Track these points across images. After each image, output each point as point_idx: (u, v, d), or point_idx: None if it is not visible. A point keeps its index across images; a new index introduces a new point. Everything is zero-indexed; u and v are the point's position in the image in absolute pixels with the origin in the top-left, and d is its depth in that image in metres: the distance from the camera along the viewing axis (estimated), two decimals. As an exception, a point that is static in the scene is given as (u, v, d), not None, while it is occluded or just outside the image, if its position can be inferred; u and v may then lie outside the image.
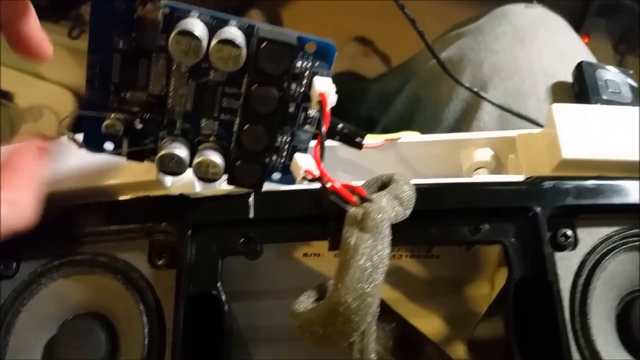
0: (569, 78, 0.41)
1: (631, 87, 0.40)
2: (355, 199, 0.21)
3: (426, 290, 0.31)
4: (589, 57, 0.43)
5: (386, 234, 0.19)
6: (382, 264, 0.19)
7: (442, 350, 0.25)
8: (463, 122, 0.40)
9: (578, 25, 0.84)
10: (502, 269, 0.30)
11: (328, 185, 0.21)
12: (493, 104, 0.35)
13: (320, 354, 0.31)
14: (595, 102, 0.38)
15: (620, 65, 0.93)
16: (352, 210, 0.20)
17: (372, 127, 0.52)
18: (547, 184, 0.24)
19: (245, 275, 0.29)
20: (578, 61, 0.39)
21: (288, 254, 0.29)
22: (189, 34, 0.20)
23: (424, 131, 0.43)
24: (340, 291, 0.18)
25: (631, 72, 0.40)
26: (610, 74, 0.39)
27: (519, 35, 0.41)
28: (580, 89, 0.39)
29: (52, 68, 0.74)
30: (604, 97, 0.38)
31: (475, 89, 0.35)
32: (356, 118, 0.57)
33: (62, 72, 0.73)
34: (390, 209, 0.21)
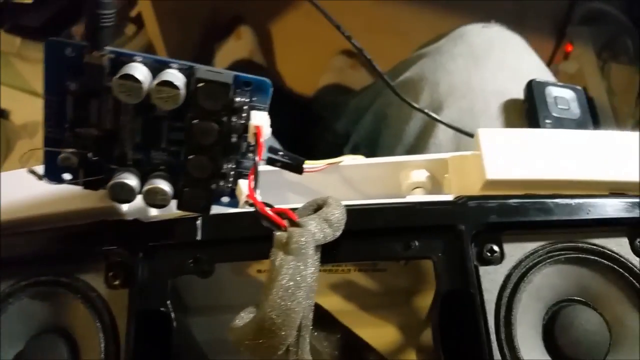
0: (521, 96, 0.43)
1: (579, 102, 0.41)
2: (285, 222, 0.23)
3: (377, 301, 0.32)
4: (546, 75, 0.45)
5: (309, 254, 0.21)
6: (305, 283, 0.21)
7: (384, 359, 0.27)
8: (421, 140, 0.42)
9: (562, 33, 0.86)
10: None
11: (260, 211, 0.23)
12: (443, 123, 0.37)
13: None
14: (544, 119, 0.40)
15: (603, 72, 0.95)
16: (277, 234, 0.22)
17: (346, 143, 0.54)
18: (472, 203, 0.26)
19: (204, 291, 0.31)
20: (530, 78, 0.41)
21: (242, 271, 0.31)
22: (130, 77, 0.22)
23: (387, 148, 0.45)
24: (265, 308, 0.20)
25: (579, 88, 0.42)
26: (560, 90, 0.41)
27: (474, 55, 0.43)
28: (530, 106, 0.41)
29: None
30: (553, 114, 0.40)
31: (430, 110, 0.37)
32: (333, 132, 0.59)
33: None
34: (318, 231, 0.23)
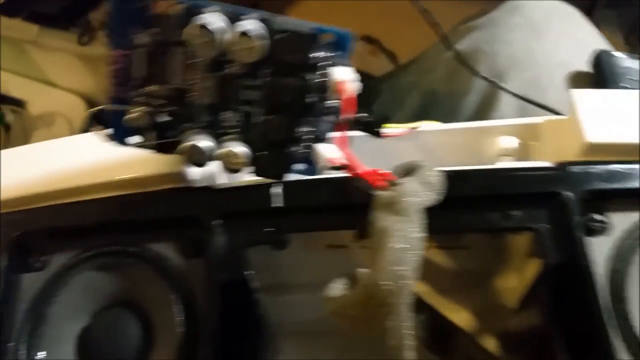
0: (586, 68, 0.41)
1: (649, 73, 0.39)
2: (383, 183, 0.21)
3: (454, 282, 0.30)
4: (606, 46, 0.43)
5: (418, 216, 0.19)
6: (417, 247, 0.19)
7: (476, 342, 0.25)
8: (481, 115, 0.40)
9: (588, 17, 0.84)
10: (530, 260, 0.30)
11: (355, 171, 0.21)
12: (514, 94, 0.35)
13: (346, 349, 0.31)
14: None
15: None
16: (382, 193, 0.20)
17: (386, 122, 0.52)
18: (576, 169, 0.24)
19: (270, 268, 0.29)
20: (595, 50, 0.39)
21: (314, 245, 0.28)
22: (204, 27, 0.20)
23: (441, 124, 0.43)
24: (376, 274, 0.18)
25: (647, 57, 0.40)
26: (629, 61, 0.39)
27: (534, 27, 0.41)
28: (599, 77, 0.39)
29: (62, 75, 0.74)
30: (623, 85, 0.38)
31: (494, 80, 0.35)
32: (368, 114, 0.57)
33: (73, 79, 0.74)
34: (420, 192, 0.21)
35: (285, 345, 0.31)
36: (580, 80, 0.40)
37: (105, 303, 0.25)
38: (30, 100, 0.76)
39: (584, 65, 0.40)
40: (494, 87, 0.38)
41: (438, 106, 0.43)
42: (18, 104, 0.75)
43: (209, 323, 0.22)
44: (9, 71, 0.76)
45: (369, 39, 0.87)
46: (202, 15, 0.21)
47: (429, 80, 0.47)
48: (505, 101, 0.39)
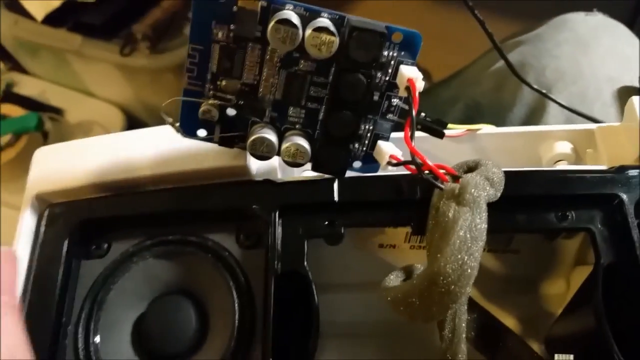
0: (634, 83, 0.41)
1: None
2: (447, 177, 0.21)
3: (500, 288, 0.30)
4: (655, 63, 0.43)
5: (483, 208, 0.20)
6: (481, 238, 0.19)
7: (525, 343, 0.25)
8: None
9: (630, 27, 0.83)
10: (578, 267, 0.29)
11: (421, 164, 0.21)
12: (562, 105, 0.35)
13: (387, 351, 0.31)
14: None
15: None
16: (448, 185, 0.20)
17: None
18: (632, 172, 0.24)
19: (317, 267, 0.30)
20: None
21: (364, 244, 0.29)
22: (288, 22, 0.21)
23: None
24: (440, 261, 0.18)
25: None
26: (679, 77, 0.39)
27: (582, 42, 0.41)
28: (649, 92, 0.39)
29: (101, 85, 0.76)
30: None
31: (544, 91, 0.35)
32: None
33: (111, 90, 0.76)
34: (483, 187, 0.21)
35: (328, 346, 0.31)
36: (628, 95, 0.39)
37: (162, 291, 0.25)
38: (69, 108, 0.79)
39: (633, 81, 0.40)
40: (541, 99, 0.39)
41: (483, 118, 0.44)
42: (57, 112, 0.78)
43: (265, 313, 0.22)
44: (50, 80, 0.79)
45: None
46: (283, 11, 0.22)
47: (473, 93, 0.47)
48: (553, 114, 0.39)
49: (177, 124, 0.24)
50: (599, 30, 0.43)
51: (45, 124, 0.74)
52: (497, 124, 0.42)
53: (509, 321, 0.31)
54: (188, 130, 0.25)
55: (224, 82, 0.24)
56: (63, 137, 0.78)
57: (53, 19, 0.71)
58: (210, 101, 0.24)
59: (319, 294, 0.30)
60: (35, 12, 0.71)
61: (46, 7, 0.71)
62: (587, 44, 0.41)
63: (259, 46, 0.23)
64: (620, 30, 0.44)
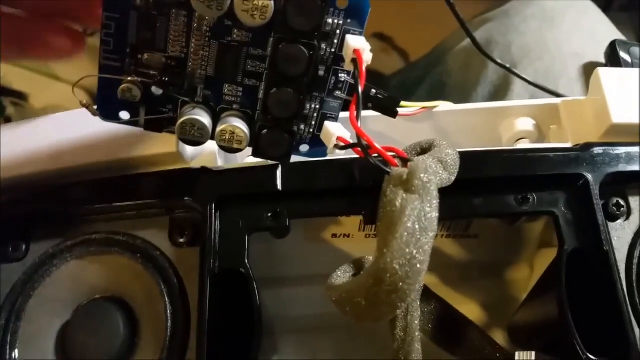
0: (599, 59, 0.39)
1: (667, 64, 0.38)
2: (397, 161, 0.19)
3: (461, 273, 0.29)
4: (620, 37, 0.42)
5: (434, 195, 0.18)
6: (431, 228, 0.17)
7: (485, 334, 0.23)
8: (491, 105, 0.38)
9: (604, 11, 0.83)
10: (542, 250, 0.28)
11: (368, 147, 0.19)
12: (527, 81, 0.33)
13: (346, 344, 0.29)
14: (631, 80, 0.36)
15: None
16: (396, 170, 0.18)
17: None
18: (598, 150, 0.23)
19: (268, 261, 0.27)
20: (609, 42, 0.38)
21: (316, 235, 0.27)
22: (211, -17, 0.19)
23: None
24: (386, 256, 0.16)
25: (666, 49, 0.38)
26: (645, 51, 0.38)
27: (548, 17, 0.40)
28: (614, 67, 0.37)
29: (66, 68, 0.72)
30: (640, 75, 0.37)
31: (503, 72, 0.33)
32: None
33: (76, 72, 0.72)
34: (435, 171, 0.19)
35: (282, 341, 0.29)
36: (593, 70, 0.38)
37: (88, 296, 0.23)
38: (33, 93, 0.74)
39: (598, 56, 0.39)
40: (506, 78, 0.37)
41: (447, 98, 0.42)
42: (20, 96, 0.74)
43: (199, 320, 0.20)
44: (11, 63, 0.74)
45: (381, 37, 0.85)
46: None
47: (439, 73, 0.45)
48: (517, 92, 0.37)
49: (95, 106, 0.21)
50: (565, 4, 0.41)
51: (7, 109, 0.70)
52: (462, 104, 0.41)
53: (471, 308, 0.29)
54: (107, 112, 0.22)
55: (145, 56, 0.21)
56: (28, 123, 0.75)
57: (10, 1, 0.67)
58: (131, 78, 0.21)
59: (271, 289, 0.28)
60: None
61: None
62: (553, 18, 0.40)
63: (184, 12, 0.20)
64: (585, 4, 0.42)
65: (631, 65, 0.37)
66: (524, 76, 0.34)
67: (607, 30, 0.41)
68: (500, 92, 0.38)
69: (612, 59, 0.37)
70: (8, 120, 0.72)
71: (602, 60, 0.39)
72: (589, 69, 0.38)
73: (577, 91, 0.38)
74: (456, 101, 0.42)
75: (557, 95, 0.34)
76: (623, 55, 0.37)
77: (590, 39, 0.39)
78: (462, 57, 0.42)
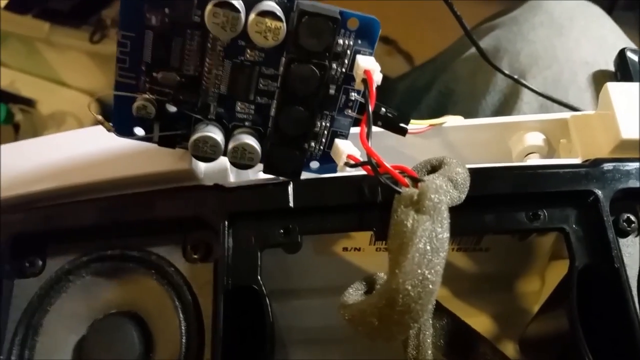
0: (609, 67, 0.39)
1: (678, 72, 0.38)
2: (407, 180, 0.19)
3: (473, 286, 0.29)
4: (630, 45, 0.42)
5: (445, 215, 0.18)
6: (443, 249, 0.17)
7: (497, 349, 0.23)
8: (501, 114, 0.38)
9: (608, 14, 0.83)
10: (553, 262, 0.28)
11: (377, 166, 0.19)
12: (535, 91, 0.33)
13: (357, 356, 0.29)
14: (642, 89, 0.36)
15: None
16: (406, 190, 0.18)
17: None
18: (608, 166, 0.22)
19: (280, 273, 0.28)
20: (618, 49, 0.38)
21: (326, 248, 0.27)
22: (227, 5, 0.19)
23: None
24: (398, 277, 0.16)
25: (676, 57, 0.38)
26: (655, 59, 0.37)
27: (556, 25, 0.40)
28: (624, 76, 0.37)
29: (73, 74, 0.73)
30: (649, 84, 0.37)
31: (516, 77, 0.33)
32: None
33: (83, 78, 0.73)
34: (446, 190, 0.19)
35: (294, 353, 0.29)
36: (603, 79, 0.38)
37: (104, 311, 0.23)
38: (41, 99, 0.75)
39: (607, 64, 0.39)
40: (515, 86, 0.37)
41: (456, 105, 0.42)
42: (28, 103, 0.74)
43: (213, 335, 0.20)
44: (20, 70, 0.75)
45: (385, 40, 0.85)
46: None
47: (447, 80, 0.45)
48: (527, 100, 0.37)
49: (110, 123, 0.22)
50: (573, 12, 0.41)
51: (15, 116, 0.71)
52: (470, 112, 0.41)
53: (483, 320, 0.29)
54: (122, 129, 0.22)
55: (160, 74, 0.21)
56: (35, 129, 0.75)
57: (18, 6, 0.69)
58: (146, 96, 0.21)
59: (282, 301, 0.28)
60: (-3, -2, 0.68)
61: (9, -7, 0.67)
62: (561, 26, 0.40)
63: (199, 32, 0.21)
64: (594, 11, 0.42)
65: (639, 73, 0.37)
66: (532, 87, 0.34)
67: (616, 38, 0.41)
68: (509, 100, 0.38)
69: (622, 67, 0.37)
70: (17, 126, 0.73)
71: (612, 68, 0.39)
72: (598, 78, 0.38)
73: (586, 100, 0.38)
74: (464, 108, 0.42)
75: (566, 105, 0.34)
76: (633, 63, 0.37)
77: (599, 47, 0.39)
78: (471, 65, 0.42)
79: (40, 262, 0.24)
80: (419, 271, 0.17)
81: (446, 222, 0.18)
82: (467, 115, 0.41)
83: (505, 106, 0.38)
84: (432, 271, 0.17)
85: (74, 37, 0.69)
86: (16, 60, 0.75)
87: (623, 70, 0.37)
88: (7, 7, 0.69)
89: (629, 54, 0.37)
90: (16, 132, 0.73)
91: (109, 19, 0.70)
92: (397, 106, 0.53)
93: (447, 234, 0.18)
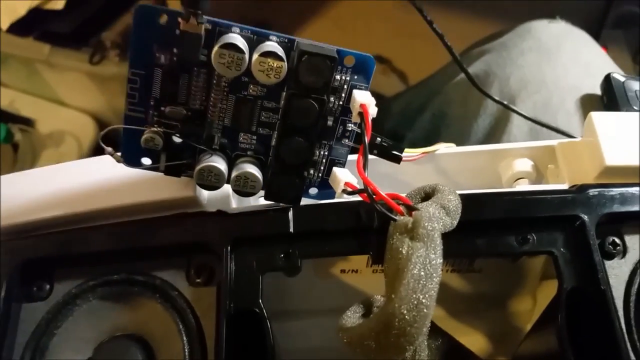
0: (596, 91, 0.41)
1: (661, 97, 0.39)
2: (401, 208, 0.20)
3: (467, 306, 0.30)
4: (616, 70, 0.43)
5: (438, 242, 0.19)
6: (436, 274, 0.18)
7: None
8: (492, 137, 0.39)
9: (595, 37, 0.85)
10: (545, 282, 0.29)
11: (373, 194, 0.20)
12: (524, 116, 0.34)
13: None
14: (627, 113, 0.37)
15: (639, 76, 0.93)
16: (401, 218, 0.19)
17: (398, 142, 0.52)
18: (593, 192, 0.24)
19: (279, 295, 0.28)
20: (605, 74, 0.39)
21: (325, 271, 0.28)
22: (232, 46, 0.20)
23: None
24: (394, 302, 0.17)
25: (660, 82, 0.40)
26: (639, 84, 0.39)
27: (545, 50, 0.41)
28: (610, 100, 0.38)
29: (72, 94, 0.74)
30: (635, 108, 0.38)
31: (505, 102, 0.34)
32: (380, 133, 0.57)
33: (82, 98, 0.74)
34: (438, 217, 0.20)
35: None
36: (590, 103, 0.40)
37: (109, 334, 0.24)
38: (40, 119, 0.76)
39: (594, 88, 0.40)
40: (505, 110, 0.38)
41: (449, 128, 0.43)
42: (27, 123, 0.75)
43: (218, 355, 0.21)
44: (19, 90, 0.76)
45: (380, 59, 0.87)
46: (229, 35, 0.21)
47: (440, 102, 0.47)
48: (517, 123, 0.38)
49: (118, 154, 0.23)
50: (561, 37, 0.42)
51: (15, 135, 0.71)
52: (463, 134, 0.42)
53: (477, 339, 0.30)
54: (131, 159, 0.23)
55: (168, 109, 0.22)
56: (34, 148, 0.76)
57: (19, 28, 0.70)
58: (154, 129, 0.22)
59: (281, 322, 0.29)
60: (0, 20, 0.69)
61: (11, 16, 0.68)
62: (550, 51, 0.41)
63: (205, 70, 0.22)
64: (582, 37, 0.43)
65: (626, 97, 0.38)
66: (521, 111, 0.35)
67: (602, 62, 0.42)
68: (500, 123, 0.39)
69: (608, 91, 0.39)
70: (16, 146, 0.73)
71: (599, 92, 0.40)
72: (585, 102, 0.40)
73: (574, 123, 0.39)
74: (457, 131, 0.44)
75: (555, 129, 0.35)
76: (618, 88, 0.38)
77: (587, 72, 0.41)
78: (463, 89, 0.44)
79: (47, 287, 0.24)
80: (414, 296, 0.18)
81: (439, 249, 0.19)
82: (460, 137, 0.42)
83: (496, 129, 0.39)
84: (427, 296, 0.18)
85: (74, 58, 0.70)
86: (16, 80, 0.76)
87: (609, 94, 0.38)
88: (9, 30, 0.70)
89: (615, 78, 0.39)
90: (15, 152, 0.74)
91: (108, 41, 0.71)
92: (392, 127, 0.55)
93: (440, 260, 0.19)
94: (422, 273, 0.18)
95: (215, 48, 0.20)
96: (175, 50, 0.21)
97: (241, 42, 0.20)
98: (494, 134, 0.39)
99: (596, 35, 0.87)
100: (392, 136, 0.56)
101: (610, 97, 0.38)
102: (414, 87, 0.57)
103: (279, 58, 0.20)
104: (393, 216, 0.20)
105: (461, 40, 0.51)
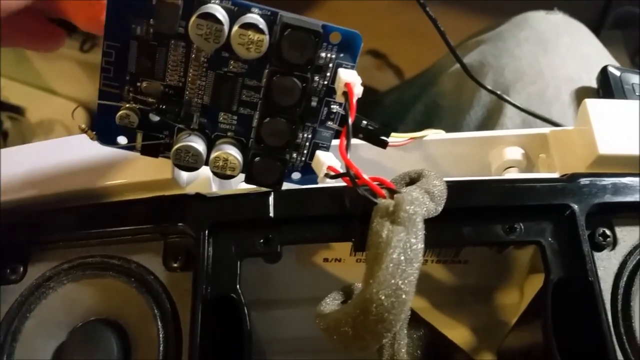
0: (592, 84, 0.40)
1: (659, 90, 0.38)
2: (384, 192, 0.19)
3: (453, 298, 0.29)
4: (613, 63, 0.42)
5: (419, 227, 0.18)
6: (417, 259, 0.17)
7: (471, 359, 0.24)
8: (484, 129, 0.39)
9: (595, 34, 0.84)
10: (532, 276, 0.28)
11: (356, 178, 0.19)
12: (517, 107, 0.34)
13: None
14: (623, 106, 0.36)
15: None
16: (382, 201, 0.19)
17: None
18: (584, 181, 0.23)
19: (261, 283, 0.28)
20: (601, 66, 0.39)
21: (307, 259, 0.27)
22: (210, 17, 0.19)
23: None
24: (372, 287, 0.17)
25: (656, 75, 0.39)
26: (635, 77, 0.38)
27: (542, 41, 0.40)
28: (606, 93, 0.38)
29: (63, 82, 0.73)
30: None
31: (499, 92, 0.34)
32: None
33: (73, 87, 0.73)
34: (422, 202, 0.19)
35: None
36: (585, 95, 0.39)
37: (84, 318, 0.23)
38: (30, 107, 0.75)
39: (591, 81, 0.39)
40: (499, 101, 0.38)
41: (441, 119, 0.42)
42: (17, 111, 0.74)
43: (193, 341, 0.20)
44: (9, 77, 0.75)
45: (376, 54, 0.86)
46: (207, 5, 0.20)
47: (433, 94, 0.46)
48: (510, 115, 0.38)
49: (93, 131, 0.22)
50: (559, 28, 0.42)
51: (4, 123, 0.71)
52: (455, 126, 0.42)
53: (462, 332, 0.29)
54: (105, 137, 0.22)
55: (144, 84, 0.21)
56: (24, 137, 0.75)
57: None
58: (129, 105, 0.22)
59: (263, 311, 0.28)
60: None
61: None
62: (547, 42, 0.40)
63: (183, 44, 0.21)
64: (579, 29, 0.43)
65: (622, 90, 0.38)
66: (515, 102, 0.34)
67: (599, 55, 0.42)
68: (493, 115, 0.39)
69: (604, 84, 0.38)
70: (5, 134, 0.72)
71: (595, 85, 0.40)
72: (581, 94, 0.39)
73: (569, 116, 0.38)
74: (450, 122, 0.43)
75: (548, 120, 0.34)
76: (614, 80, 0.38)
77: (583, 64, 0.40)
78: (456, 79, 0.43)
79: (21, 269, 0.24)
80: (393, 281, 0.17)
81: (421, 234, 0.18)
82: (452, 129, 0.42)
83: (489, 121, 0.39)
84: (406, 281, 0.17)
85: (64, 46, 0.69)
86: (5, 68, 0.75)
87: (605, 86, 0.38)
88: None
89: (611, 71, 0.38)
90: (4, 140, 0.73)
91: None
92: (384, 119, 0.54)
93: (421, 245, 0.18)
94: (402, 258, 0.17)
95: (193, 18, 0.19)
96: (151, 21, 0.20)
97: (220, 13, 0.20)
98: (487, 125, 0.39)
99: (595, 35, 0.86)
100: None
101: (606, 90, 0.38)
102: (408, 80, 0.56)
103: (260, 31, 0.20)
104: (375, 200, 0.19)
105: (459, 38, 0.50)
